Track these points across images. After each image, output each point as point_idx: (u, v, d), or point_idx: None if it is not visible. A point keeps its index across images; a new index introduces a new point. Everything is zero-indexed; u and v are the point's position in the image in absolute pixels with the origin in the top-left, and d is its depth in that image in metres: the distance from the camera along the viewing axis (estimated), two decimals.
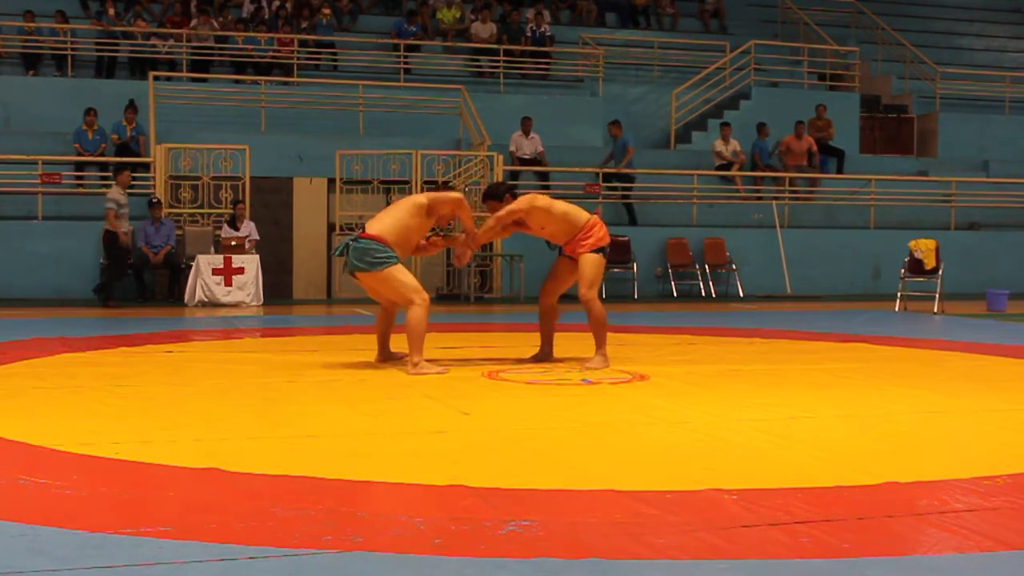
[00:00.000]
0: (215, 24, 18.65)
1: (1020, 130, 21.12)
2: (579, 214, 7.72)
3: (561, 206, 7.76)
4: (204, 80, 17.79)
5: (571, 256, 7.69)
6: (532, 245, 15.81)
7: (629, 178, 17.30)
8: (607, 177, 17.03)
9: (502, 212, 7.60)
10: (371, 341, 8.01)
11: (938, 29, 24.54)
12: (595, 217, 7.77)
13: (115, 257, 13.97)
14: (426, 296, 7.31)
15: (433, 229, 7.93)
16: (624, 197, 17.25)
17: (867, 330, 10.84)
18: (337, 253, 7.48)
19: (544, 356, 7.94)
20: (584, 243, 7.58)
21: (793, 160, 18.51)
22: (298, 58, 18.54)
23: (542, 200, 7.74)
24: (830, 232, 17.89)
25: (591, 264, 7.57)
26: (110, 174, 16.01)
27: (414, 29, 19.52)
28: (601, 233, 7.66)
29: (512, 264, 15.72)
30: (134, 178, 16.01)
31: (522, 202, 7.62)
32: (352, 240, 7.32)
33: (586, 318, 7.71)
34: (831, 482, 4.20)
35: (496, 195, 7.81)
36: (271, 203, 16.13)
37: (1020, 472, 4.37)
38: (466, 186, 15.77)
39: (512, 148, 17.12)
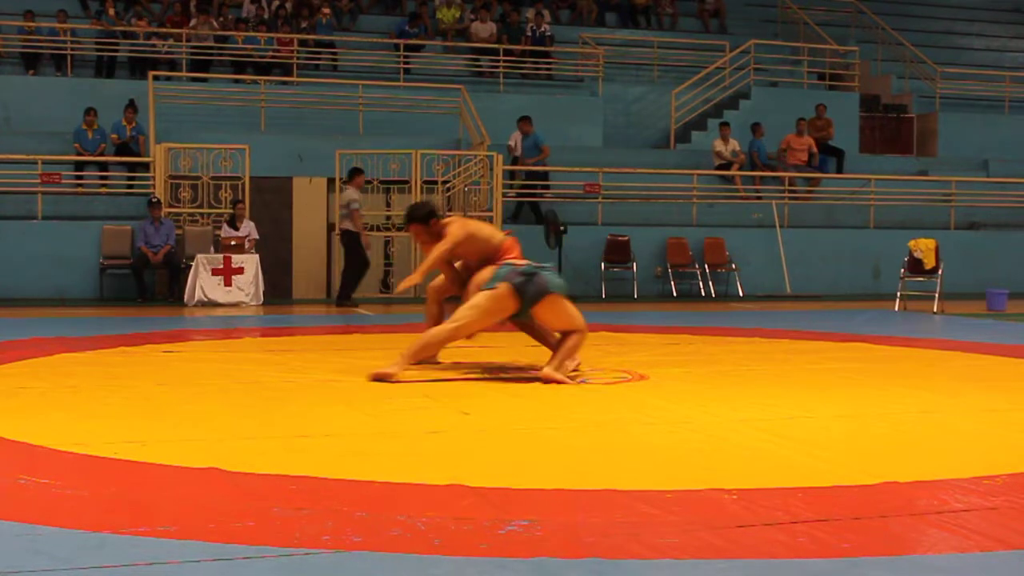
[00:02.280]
0: (215, 24, 18.65)
1: (1020, 130, 21.11)
2: (496, 235, 7.59)
3: (486, 228, 7.66)
4: (204, 80, 17.80)
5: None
6: (532, 245, 15.85)
7: (544, 176, 17.03)
8: (512, 175, 16.69)
9: (444, 248, 7.30)
10: (371, 341, 8.01)
11: (938, 29, 24.54)
12: (509, 239, 7.51)
13: (360, 256, 14.16)
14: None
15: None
16: (533, 196, 16.84)
17: (867, 330, 10.84)
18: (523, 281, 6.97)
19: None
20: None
21: (794, 158, 18.52)
22: (298, 58, 18.54)
23: (472, 223, 7.58)
24: (830, 232, 17.89)
25: (485, 297, 7.02)
26: (109, 174, 16.04)
27: (416, 31, 19.53)
28: (514, 254, 7.37)
29: None
30: (133, 178, 16.03)
31: (457, 231, 7.34)
32: (537, 267, 7.10)
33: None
34: (831, 482, 4.20)
35: (418, 217, 7.48)
36: (271, 203, 16.14)
37: (1019, 472, 4.38)
38: (465, 186, 15.77)
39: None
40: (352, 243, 14.16)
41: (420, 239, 7.63)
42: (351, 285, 14.18)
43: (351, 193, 14.26)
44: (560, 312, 7.06)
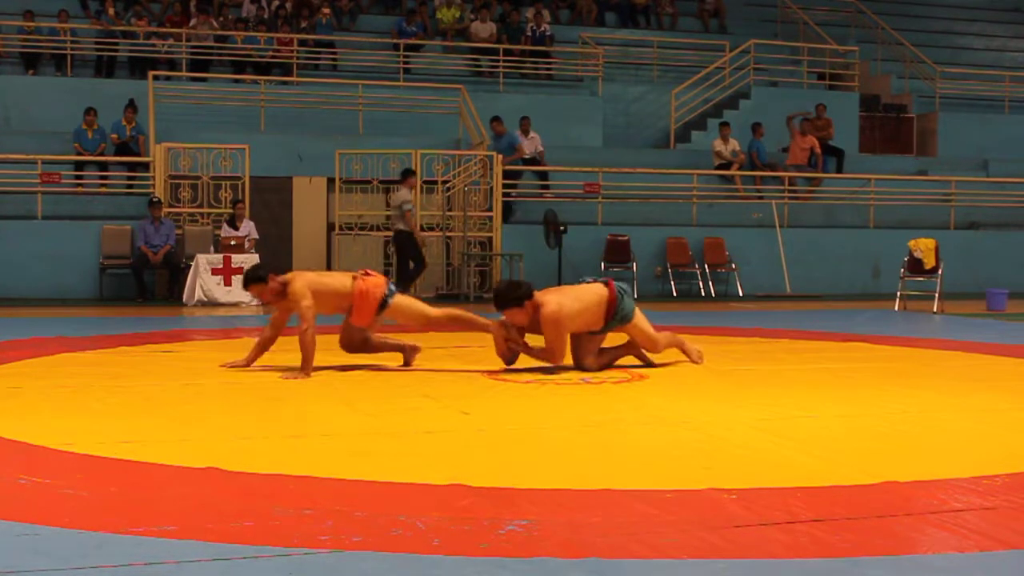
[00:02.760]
0: (215, 24, 18.66)
1: (1020, 130, 21.12)
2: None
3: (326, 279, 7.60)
4: (204, 80, 17.80)
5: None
6: (532, 245, 15.88)
7: (518, 175, 17.05)
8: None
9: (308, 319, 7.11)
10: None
11: (938, 29, 24.54)
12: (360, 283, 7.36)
13: (416, 255, 14.53)
14: None
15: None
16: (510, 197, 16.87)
17: (867, 330, 10.83)
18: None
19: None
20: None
21: (795, 158, 18.52)
22: (298, 58, 18.54)
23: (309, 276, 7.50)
24: (830, 232, 17.90)
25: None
26: (109, 174, 16.05)
27: (414, 29, 19.53)
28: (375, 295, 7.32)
29: (512, 263, 15.72)
30: (133, 178, 16.03)
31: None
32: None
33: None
34: (830, 482, 4.20)
35: (516, 299, 7.07)
36: (271, 203, 16.15)
37: (1018, 472, 4.38)
38: (465, 186, 15.77)
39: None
40: (406, 243, 14.45)
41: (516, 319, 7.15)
42: (408, 284, 14.38)
43: (404, 194, 14.49)
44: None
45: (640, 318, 7.40)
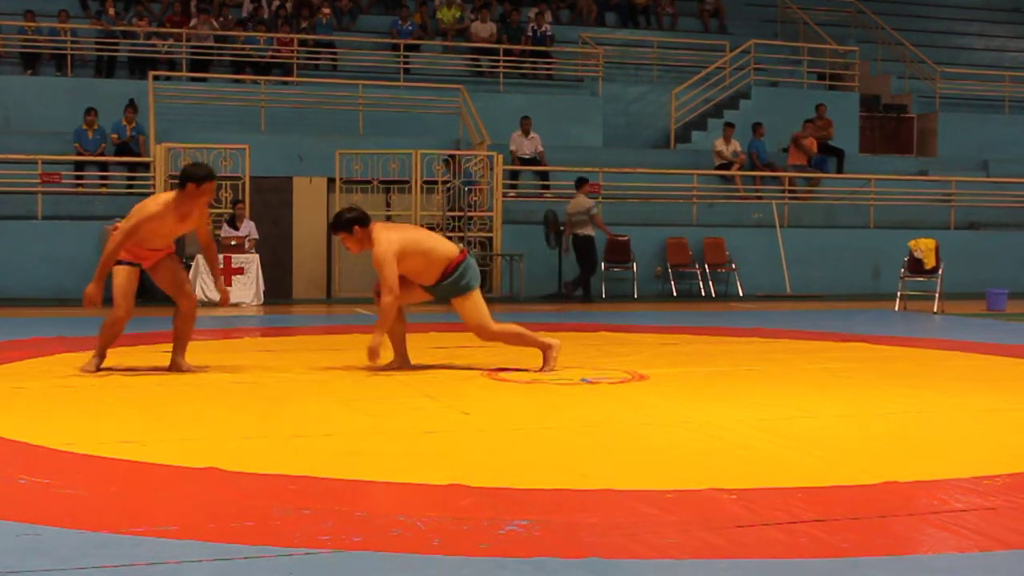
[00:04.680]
0: (215, 24, 18.65)
1: (1020, 130, 21.12)
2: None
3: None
4: (204, 80, 17.80)
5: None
6: (532, 245, 15.88)
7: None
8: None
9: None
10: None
11: (938, 29, 24.54)
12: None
13: (595, 259, 15.39)
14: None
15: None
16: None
17: (867, 330, 10.83)
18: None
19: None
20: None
21: (795, 158, 18.52)
22: (298, 58, 18.54)
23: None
24: (830, 232, 17.90)
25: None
26: (109, 174, 16.04)
27: (411, 27, 19.52)
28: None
29: (512, 264, 15.72)
30: (133, 178, 16.03)
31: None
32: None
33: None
34: (830, 482, 4.20)
35: (344, 223, 7.17)
36: (271, 203, 16.14)
37: (1019, 472, 4.37)
38: (466, 186, 15.77)
39: (512, 148, 17.13)
40: (590, 247, 15.20)
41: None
42: (589, 285, 15.33)
43: (586, 200, 15.26)
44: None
45: (477, 300, 7.15)
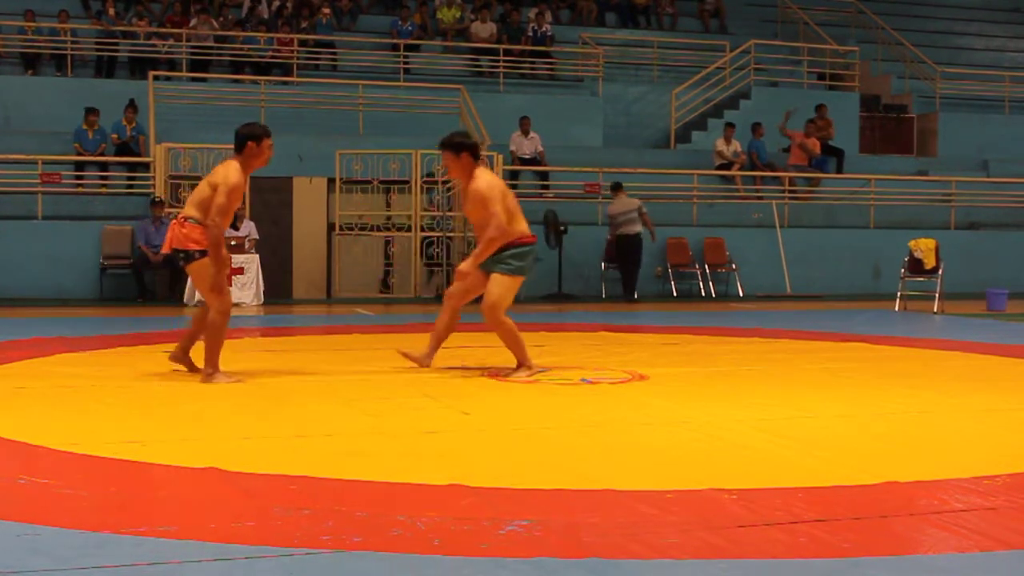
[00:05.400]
0: (215, 24, 18.65)
1: (1020, 130, 21.12)
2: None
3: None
4: (204, 80, 17.79)
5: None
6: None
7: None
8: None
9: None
10: (371, 341, 8.00)
11: (938, 29, 24.53)
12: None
13: (640, 257, 15.55)
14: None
15: None
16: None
17: (867, 330, 10.83)
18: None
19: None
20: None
21: (796, 159, 18.52)
22: (298, 58, 18.54)
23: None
24: (830, 232, 17.89)
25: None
26: (110, 174, 16.04)
27: (411, 27, 19.52)
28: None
29: None
30: (133, 178, 16.03)
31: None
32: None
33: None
34: (831, 482, 4.20)
35: (454, 145, 7.07)
36: (271, 203, 16.13)
37: (1019, 472, 4.37)
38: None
39: (512, 148, 17.12)
40: (638, 245, 15.39)
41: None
42: (635, 285, 15.57)
43: (631, 200, 15.50)
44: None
45: (512, 286, 7.11)
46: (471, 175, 7.00)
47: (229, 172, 6.79)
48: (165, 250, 7.10)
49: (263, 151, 6.97)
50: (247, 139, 6.92)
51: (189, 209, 6.86)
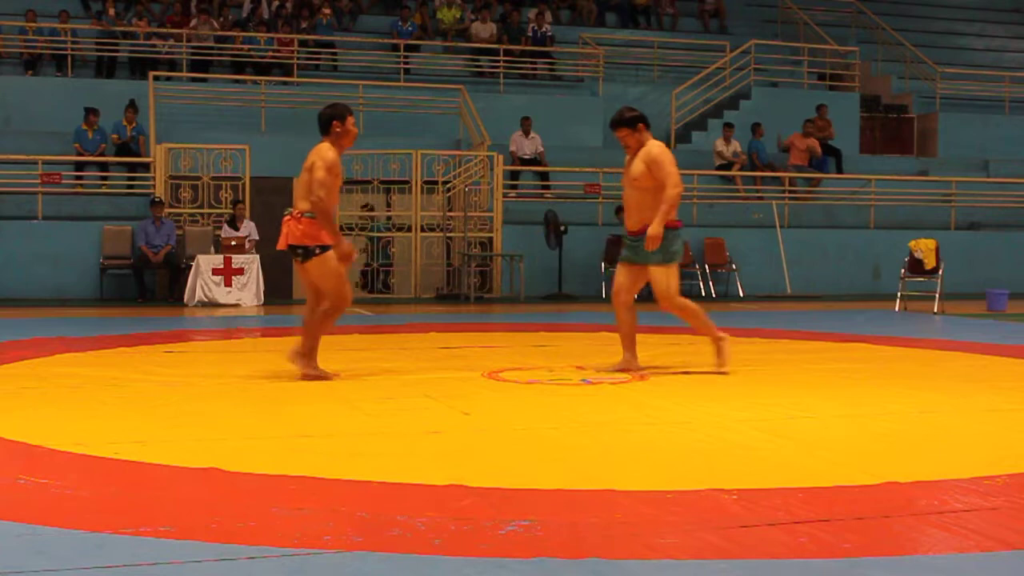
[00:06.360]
0: (215, 24, 18.65)
1: (1020, 130, 21.11)
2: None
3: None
4: (204, 80, 17.80)
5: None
6: (532, 245, 15.87)
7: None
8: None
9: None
10: (371, 341, 7.99)
11: (938, 29, 24.53)
12: None
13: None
14: None
15: None
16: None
17: (867, 330, 10.83)
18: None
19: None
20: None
21: (796, 159, 18.52)
22: (298, 58, 18.54)
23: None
24: (830, 232, 17.89)
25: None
26: (110, 174, 16.04)
27: (411, 28, 19.52)
28: None
29: (512, 264, 15.71)
30: (133, 178, 16.03)
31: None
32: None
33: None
34: (831, 482, 4.19)
35: (629, 120, 7.24)
36: (271, 203, 16.11)
37: (1019, 472, 4.37)
38: (466, 186, 15.76)
39: (512, 148, 17.13)
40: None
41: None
42: None
43: None
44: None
45: (674, 271, 7.32)
46: (642, 143, 7.20)
47: (322, 150, 6.80)
48: (281, 246, 6.97)
49: (349, 128, 6.97)
50: (332, 119, 6.92)
51: (301, 204, 6.84)
